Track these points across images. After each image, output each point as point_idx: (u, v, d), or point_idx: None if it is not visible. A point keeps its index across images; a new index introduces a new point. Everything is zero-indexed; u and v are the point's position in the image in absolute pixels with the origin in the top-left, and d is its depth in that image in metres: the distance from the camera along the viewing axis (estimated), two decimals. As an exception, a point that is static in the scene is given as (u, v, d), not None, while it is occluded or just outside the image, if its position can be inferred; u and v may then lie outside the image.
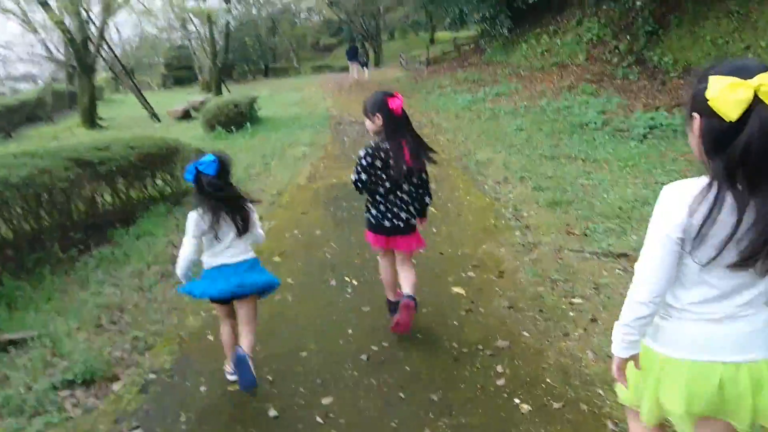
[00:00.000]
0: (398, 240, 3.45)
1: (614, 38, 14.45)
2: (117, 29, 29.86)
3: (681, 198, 1.40)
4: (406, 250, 3.50)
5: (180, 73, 33.90)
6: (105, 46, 17.80)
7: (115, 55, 18.72)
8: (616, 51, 13.96)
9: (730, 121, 1.27)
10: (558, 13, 17.82)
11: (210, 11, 23.42)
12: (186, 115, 15.51)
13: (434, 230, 5.57)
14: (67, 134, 15.79)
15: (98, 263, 5.26)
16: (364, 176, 3.32)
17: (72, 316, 4.11)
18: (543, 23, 18.17)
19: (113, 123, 17.78)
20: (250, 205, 3.00)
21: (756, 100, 1.24)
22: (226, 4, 25.25)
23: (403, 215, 3.38)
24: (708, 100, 1.30)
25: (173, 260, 4.09)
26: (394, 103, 3.28)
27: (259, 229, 3.09)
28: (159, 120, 17.48)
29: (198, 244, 2.90)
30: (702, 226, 1.36)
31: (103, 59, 18.34)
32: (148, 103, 17.70)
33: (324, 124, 13.82)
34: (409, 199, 3.39)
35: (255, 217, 3.02)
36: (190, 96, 25.86)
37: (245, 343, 2.92)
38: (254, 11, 32.02)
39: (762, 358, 1.44)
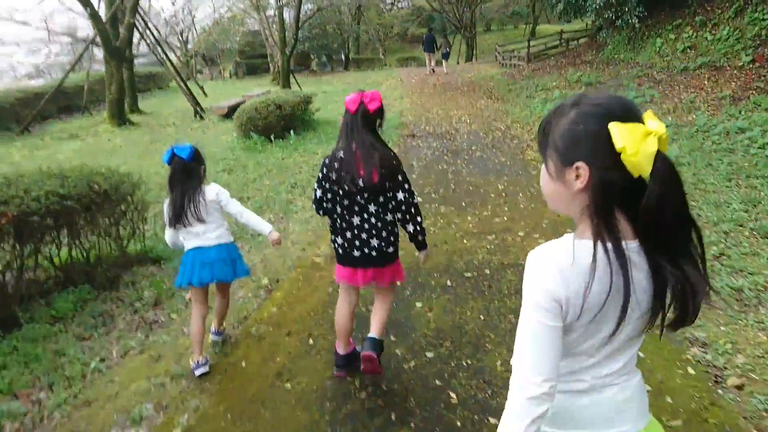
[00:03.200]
0: (372, 272, 2.96)
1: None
2: (188, 10, 27.95)
3: (558, 268, 1.15)
4: (382, 283, 3.03)
5: (254, 62, 31.67)
6: (144, 26, 15.31)
7: (154, 38, 16.32)
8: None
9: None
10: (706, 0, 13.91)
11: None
12: (231, 113, 13.01)
13: None
14: (86, 133, 13.64)
15: None
16: (319, 192, 2.87)
17: None
18: (684, 12, 14.31)
19: (148, 120, 15.58)
20: (216, 189, 3.33)
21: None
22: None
23: (374, 242, 2.87)
24: (610, 150, 1.09)
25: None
26: (350, 101, 2.79)
27: (233, 205, 3.37)
28: (202, 117, 15.12)
29: (175, 230, 3.28)
30: (605, 300, 1.14)
31: (147, 43, 16.06)
32: (192, 97, 15.34)
33: (391, 136, 10.86)
34: (378, 223, 2.84)
35: (225, 196, 3.34)
36: (260, 87, 23.71)
37: (219, 307, 3.61)
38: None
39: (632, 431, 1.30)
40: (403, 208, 2.81)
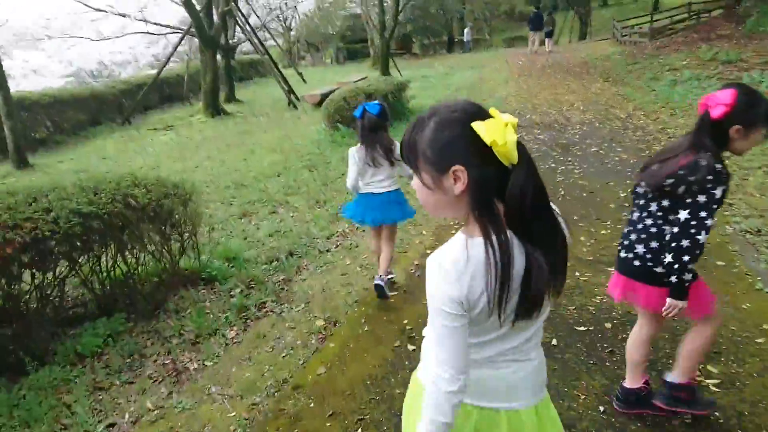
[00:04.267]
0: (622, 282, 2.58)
1: None
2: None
3: (456, 271, 1.21)
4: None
5: (355, 47, 30.82)
6: (240, 14, 14.88)
7: (250, 26, 15.87)
8: None
9: (506, 166, 1.19)
10: None
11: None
12: (324, 102, 12.31)
13: None
14: (181, 123, 13.45)
15: None
16: None
17: None
18: None
19: (243, 109, 15.22)
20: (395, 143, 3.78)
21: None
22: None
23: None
24: (479, 148, 1.17)
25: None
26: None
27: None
28: (296, 106, 14.56)
29: (357, 171, 3.86)
30: (502, 292, 1.20)
31: (243, 31, 15.69)
32: (287, 85, 14.81)
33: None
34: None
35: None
36: (359, 73, 23.04)
37: (382, 266, 3.93)
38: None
39: (522, 408, 1.39)
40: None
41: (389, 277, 4.18)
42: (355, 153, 3.87)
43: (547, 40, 23.42)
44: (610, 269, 4.14)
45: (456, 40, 33.81)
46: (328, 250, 5.27)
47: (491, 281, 1.17)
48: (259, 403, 3.00)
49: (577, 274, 4.18)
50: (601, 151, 7.79)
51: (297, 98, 15.52)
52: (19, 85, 24.15)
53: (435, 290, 1.22)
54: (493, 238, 1.17)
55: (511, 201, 1.18)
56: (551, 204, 1.25)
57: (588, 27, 31.76)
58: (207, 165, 9.55)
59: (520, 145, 1.17)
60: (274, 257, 5.17)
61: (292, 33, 33.35)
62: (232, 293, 4.50)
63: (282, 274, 4.85)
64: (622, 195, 5.90)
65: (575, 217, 5.37)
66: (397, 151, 3.74)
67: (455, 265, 1.20)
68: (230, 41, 16.92)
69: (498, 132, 1.15)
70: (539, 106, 11.69)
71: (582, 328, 3.43)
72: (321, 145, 9.70)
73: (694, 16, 20.37)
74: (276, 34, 34.43)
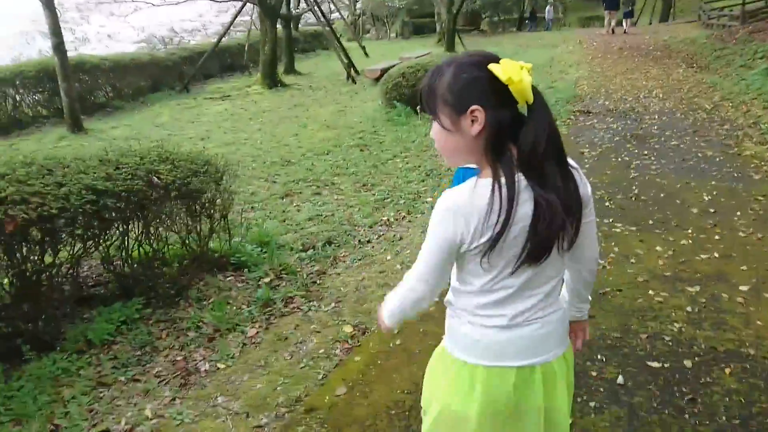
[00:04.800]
0: None
1: None
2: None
3: (458, 213, 1.25)
4: None
5: (422, 21, 29.70)
6: None
7: None
8: None
9: (520, 108, 1.25)
10: None
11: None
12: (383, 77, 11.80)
13: None
14: (238, 93, 13.18)
15: None
16: None
17: None
18: None
19: (301, 81, 14.84)
20: None
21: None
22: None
23: None
24: (495, 90, 1.20)
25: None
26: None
27: None
28: (355, 81, 14.07)
29: None
30: (502, 231, 1.22)
31: (306, 1, 15.22)
32: (348, 58, 14.32)
33: (560, 112, 8.84)
34: None
35: None
36: (424, 48, 22.29)
37: None
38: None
39: (553, 359, 1.42)
40: None
41: None
42: None
43: (624, 20, 22.13)
44: (691, 289, 3.55)
45: (536, 16, 32.13)
46: (368, 241, 4.83)
47: (492, 220, 1.21)
48: (264, 426, 2.60)
49: (651, 292, 3.57)
50: (682, 146, 6.98)
51: (357, 72, 15.04)
52: (94, 49, 24.73)
53: (436, 231, 1.30)
54: (502, 179, 1.21)
55: (524, 144, 1.21)
56: (566, 156, 1.27)
57: (672, 8, 29.67)
58: (257, 138, 9.25)
59: (535, 90, 1.22)
60: (311, 244, 4.78)
61: (358, 5, 32.70)
62: (260, 283, 4.14)
63: (317, 265, 4.46)
64: (706, 198, 5.17)
65: (651, 221, 4.71)
66: None
67: (455, 203, 1.26)
68: (292, 11, 16.55)
69: (514, 71, 1.18)
70: (614, 91, 10.79)
71: (655, 364, 2.85)
72: (376, 122, 9.24)
73: (795, -1, 18.48)
74: (342, 6, 33.93)
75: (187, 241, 4.20)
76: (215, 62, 16.17)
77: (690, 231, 4.48)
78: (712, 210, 4.89)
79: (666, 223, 4.66)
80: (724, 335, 3.09)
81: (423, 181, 6.12)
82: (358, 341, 3.26)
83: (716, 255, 4.05)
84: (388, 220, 5.14)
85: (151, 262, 4.04)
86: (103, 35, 33.43)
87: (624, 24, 22.12)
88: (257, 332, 3.51)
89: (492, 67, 1.19)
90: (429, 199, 5.58)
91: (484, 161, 1.28)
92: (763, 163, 6.12)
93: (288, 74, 15.58)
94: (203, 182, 4.09)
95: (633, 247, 4.26)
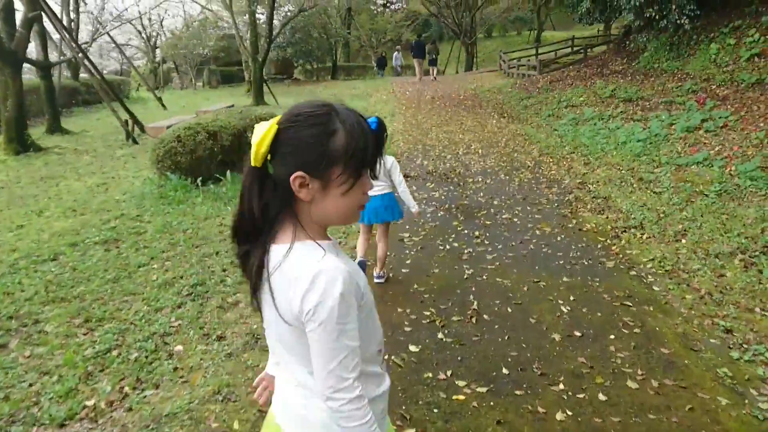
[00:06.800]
0: None
1: None
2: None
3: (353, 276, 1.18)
4: None
5: (230, 70, 27.61)
6: (61, 25, 11.55)
7: (74, 40, 12.67)
8: None
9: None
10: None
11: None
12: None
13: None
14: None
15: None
16: None
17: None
18: (743, 12, 11.16)
19: (66, 143, 11.96)
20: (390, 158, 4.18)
21: None
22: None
23: None
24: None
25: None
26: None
27: (397, 176, 4.09)
28: (136, 141, 11.65)
29: None
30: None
31: (69, 47, 12.47)
32: (131, 114, 11.89)
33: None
34: None
35: (396, 168, 4.10)
36: (233, 98, 20.34)
37: (379, 253, 4.32)
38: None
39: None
40: None
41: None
42: None
43: (431, 68, 23.00)
44: None
45: (384, 63, 31.48)
46: None
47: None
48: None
49: None
50: (516, 220, 5.84)
51: (143, 130, 12.60)
52: None
53: (339, 315, 1.24)
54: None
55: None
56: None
57: (474, 58, 31.18)
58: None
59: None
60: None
61: (158, 52, 29.72)
62: None
63: None
64: (565, 310, 3.86)
65: (503, 376, 3.18)
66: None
67: (350, 274, 1.22)
68: (54, 58, 13.64)
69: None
70: (432, 147, 9.77)
71: None
72: (144, 201, 7.00)
73: (580, 51, 19.79)
74: (140, 54, 30.72)
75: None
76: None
77: (561, 388, 3.03)
78: (578, 334, 3.56)
79: (526, 373, 3.19)
80: None
81: (179, 307, 4.09)
82: None
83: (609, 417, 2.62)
84: (95, 407, 3.01)
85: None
86: None
87: (432, 72, 22.53)
88: None
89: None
90: (177, 349, 3.55)
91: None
92: (609, 241, 5.12)
93: (52, 134, 12.60)
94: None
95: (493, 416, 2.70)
